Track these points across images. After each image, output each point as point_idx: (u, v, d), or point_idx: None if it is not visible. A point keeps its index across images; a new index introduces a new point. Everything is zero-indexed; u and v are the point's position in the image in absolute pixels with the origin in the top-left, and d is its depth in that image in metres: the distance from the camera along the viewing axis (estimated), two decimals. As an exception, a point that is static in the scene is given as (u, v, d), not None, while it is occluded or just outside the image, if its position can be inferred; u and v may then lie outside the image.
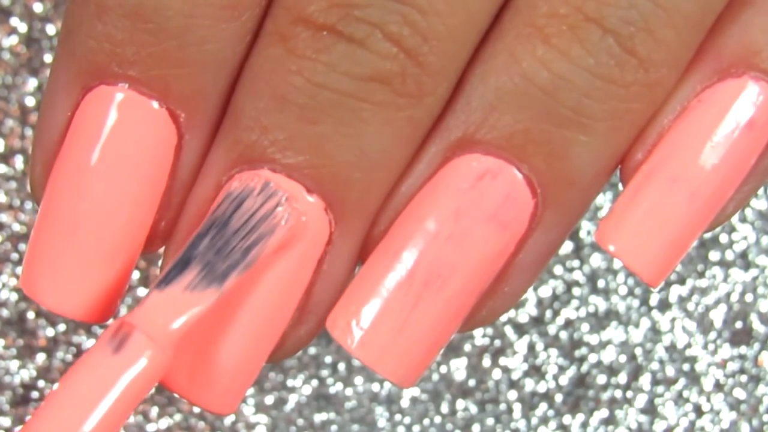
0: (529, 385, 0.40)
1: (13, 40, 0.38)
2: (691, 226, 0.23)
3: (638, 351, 0.40)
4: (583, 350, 0.40)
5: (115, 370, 0.21)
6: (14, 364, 0.39)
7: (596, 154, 0.23)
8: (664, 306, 0.40)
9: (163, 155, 0.24)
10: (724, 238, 0.40)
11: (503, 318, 0.40)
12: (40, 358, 0.39)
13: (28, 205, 0.39)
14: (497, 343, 0.40)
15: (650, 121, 0.23)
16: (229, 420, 0.39)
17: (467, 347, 0.40)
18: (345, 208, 0.23)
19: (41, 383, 0.39)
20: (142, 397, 0.21)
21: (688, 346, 0.40)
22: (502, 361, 0.40)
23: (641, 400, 0.40)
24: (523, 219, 0.23)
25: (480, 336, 0.40)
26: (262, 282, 0.23)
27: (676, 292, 0.40)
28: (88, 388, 0.21)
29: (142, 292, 0.38)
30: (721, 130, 0.23)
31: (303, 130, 0.22)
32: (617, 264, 0.40)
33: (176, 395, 0.24)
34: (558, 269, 0.40)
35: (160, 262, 0.23)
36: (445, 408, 0.40)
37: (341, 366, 0.40)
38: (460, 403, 0.40)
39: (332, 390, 0.40)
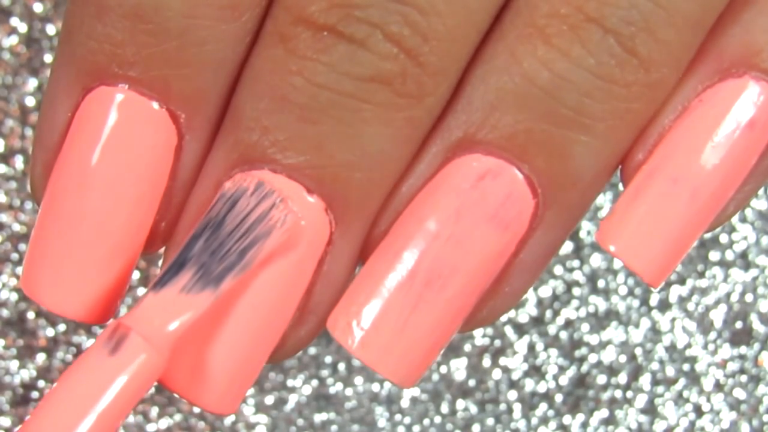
0: (529, 385, 0.40)
1: (13, 40, 0.38)
2: (691, 226, 0.23)
3: (638, 351, 0.40)
4: (583, 350, 0.40)
5: (112, 372, 0.21)
6: (14, 364, 0.39)
7: (597, 154, 0.23)
8: (664, 306, 0.40)
9: (164, 156, 0.23)
10: (724, 238, 0.41)
11: (503, 318, 0.40)
12: (40, 358, 0.39)
13: (28, 205, 0.39)
14: (497, 343, 0.40)
15: (651, 121, 0.23)
16: (229, 420, 0.39)
17: (467, 347, 0.40)
18: (345, 208, 0.23)
19: (41, 383, 0.39)
20: (139, 398, 0.21)
21: (688, 346, 0.40)
22: (502, 361, 0.40)
23: (641, 400, 0.40)
24: (524, 219, 0.23)
25: (480, 336, 0.40)
26: (262, 282, 0.23)
27: (676, 292, 0.40)
28: (85, 390, 0.21)
29: (142, 292, 0.38)
30: (721, 130, 0.23)
31: (303, 131, 0.22)
32: (617, 264, 0.40)
33: (176, 395, 0.24)
34: (558, 269, 0.40)
35: (160, 263, 0.23)
36: (445, 408, 0.40)
37: (341, 366, 0.40)
38: (460, 403, 0.40)
39: (332, 390, 0.40)
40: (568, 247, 0.40)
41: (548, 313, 0.40)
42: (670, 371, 0.40)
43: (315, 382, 0.40)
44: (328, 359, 0.40)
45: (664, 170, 0.23)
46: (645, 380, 0.40)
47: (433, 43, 0.22)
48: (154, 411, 0.39)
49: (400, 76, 0.22)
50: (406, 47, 0.22)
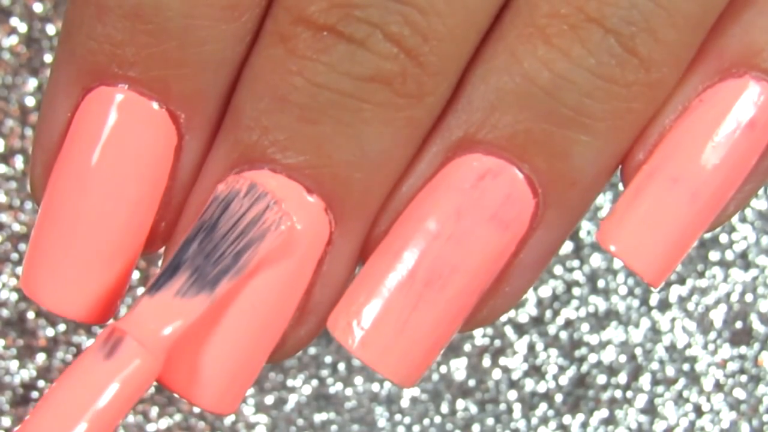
0: (529, 385, 0.40)
1: (13, 40, 0.38)
2: (692, 226, 0.23)
3: (638, 351, 0.40)
4: (583, 350, 0.40)
5: (107, 376, 0.21)
6: (14, 364, 0.39)
7: (597, 153, 0.23)
8: (664, 306, 0.40)
9: (163, 156, 0.23)
10: (724, 238, 0.41)
11: (503, 318, 0.40)
12: (40, 358, 0.39)
13: (28, 205, 0.39)
14: (497, 343, 0.40)
15: (651, 120, 0.23)
16: (229, 420, 0.39)
17: (467, 347, 0.40)
18: (345, 208, 0.23)
19: (41, 383, 0.39)
20: (134, 402, 0.21)
21: (688, 346, 0.40)
22: (502, 361, 0.40)
23: (641, 400, 0.40)
24: (524, 219, 0.23)
25: (480, 336, 0.40)
26: (261, 282, 0.23)
27: (676, 292, 0.40)
28: (81, 393, 0.21)
29: (142, 292, 0.38)
30: (722, 130, 0.23)
31: (303, 131, 0.22)
32: (617, 264, 0.40)
33: (176, 395, 0.24)
34: (558, 269, 0.40)
35: (160, 262, 0.23)
36: (445, 408, 0.40)
37: (341, 366, 0.40)
38: (460, 403, 0.40)
39: (332, 390, 0.40)
40: (568, 247, 0.40)
41: (548, 313, 0.40)
42: (670, 371, 0.40)
43: (315, 382, 0.40)
44: (328, 359, 0.40)
45: (665, 170, 0.23)
46: (645, 380, 0.40)
47: (433, 42, 0.22)
48: (154, 411, 0.39)
49: (400, 75, 0.22)
50: (406, 47, 0.22)
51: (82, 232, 0.23)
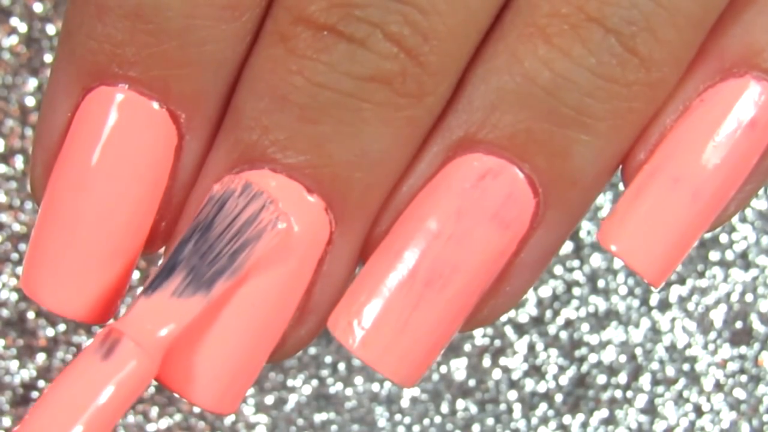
0: (529, 385, 0.40)
1: (13, 40, 0.38)
2: (693, 225, 0.23)
3: (638, 351, 0.40)
4: (583, 350, 0.40)
5: (104, 377, 0.21)
6: (14, 364, 0.39)
7: (598, 153, 0.23)
8: (664, 306, 0.40)
9: (164, 156, 0.23)
10: (724, 238, 0.41)
11: (503, 318, 0.40)
12: (40, 358, 0.39)
13: (28, 205, 0.39)
14: (497, 343, 0.40)
15: (652, 120, 0.23)
16: (229, 420, 0.39)
17: (467, 347, 0.40)
18: (345, 208, 0.23)
19: (41, 383, 0.39)
20: (131, 403, 0.21)
21: (688, 346, 0.40)
22: (502, 361, 0.40)
23: (641, 400, 0.40)
24: (525, 218, 0.23)
25: (480, 336, 0.40)
26: (262, 281, 0.23)
27: (676, 292, 0.40)
28: (78, 394, 0.21)
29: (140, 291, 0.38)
30: (723, 130, 0.23)
31: (303, 130, 0.22)
32: (617, 264, 0.40)
33: (176, 395, 0.24)
34: (558, 269, 0.40)
35: (160, 262, 0.23)
36: (445, 408, 0.40)
37: (341, 366, 0.40)
38: (460, 403, 0.40)
39: (332, 390, 0.40)
40: (568, 247, 0.40)
41: (548, 313, 0.40)
42: (670, 371, 0.40)
43: (315, 382, 0.40)
44: (328, 359, 0.40)
45: (666, 170, 0.23)
46: (645, 380, 0.40)
47: (434, 42, 0.22)
48: (154, 411, 0.39)
49: (400, 75, 0.22)
50: (406, 47, 0.22)
51: (82, 232, 0.23)
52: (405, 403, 0.40)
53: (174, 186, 0.24)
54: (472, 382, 0.40)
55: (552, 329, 0.40)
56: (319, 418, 0.40)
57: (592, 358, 0.40)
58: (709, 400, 0.40)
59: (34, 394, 0.39)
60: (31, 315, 0.39)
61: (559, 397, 0.40)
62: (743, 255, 0.40)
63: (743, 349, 0.40)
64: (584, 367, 0.40)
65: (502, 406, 0.40)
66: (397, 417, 0.40)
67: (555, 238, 0.24)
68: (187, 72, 0.23)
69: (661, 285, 0.23)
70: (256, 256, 0.22)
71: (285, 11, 0.22)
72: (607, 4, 0.21)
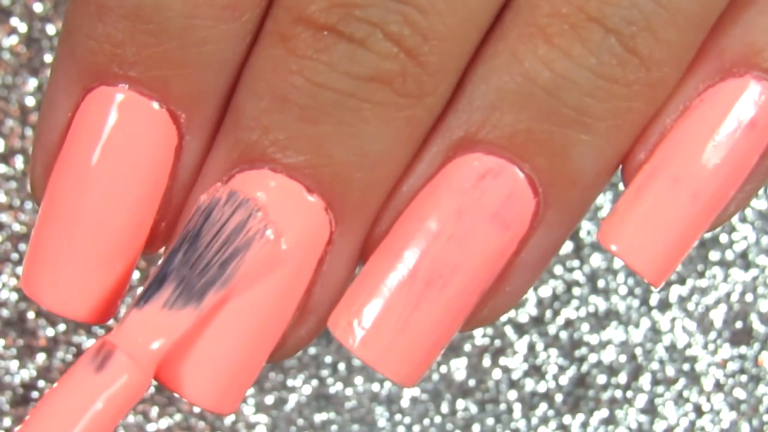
0: (529, 385, 0.40)
1: (13, 40, 0.38)
2: (693, 225, 0.23)
3: (638, 351, 0.40)
4: (583, 350, 0.40)
5: (97, 389, 0.21)
6: (14, 364, 0.39)
7: (598, 153, 0.23)
8: (664, 306, 0.40)
9: (164, 156, 0.23)
10: (724, 238, 0.41)
11: (503, 318, 0.40)
12: (40, 358, 0.39)
13: (28, 205, 0.39)
14: (497, 343, 0.40)
15: (652, 120, 0.23)
16: (229, 420, 0.39)
17: (467, 347, 0.40)
18: (345, 207, 0.23)
19: (41, 383, 0.39)
20: (124, 414, 0.22)
21: (688, 346, 0.40)
22: (502, 361, 0.40)
23: (641, 400, 0.40)
24: (525, 218, 0.23)
25: (480, 336, 0.40)
26: (261, 283, 0.23)
27: (676, 292, 0.40)
28: (71, 406, 0.21)
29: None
30: (723, 130, 0.23)
31: (303, 130, 0.22)
32: (617, 264, 0.40)
33: (176, 395, 0.24)
34: (558, 269, 0.40)
35: (159, 262, 0.23)
36: (445, 408, 0.40)
37: (341, 366, 0.40)
38: (460, 403, 0.40)
39: (332, 390, 0.40)
40: (568, 247, 0.40)
41: (548, 313, 0.40)
42: (670, 371, 0.40)
43: (315, 382, 0.40)
44: (328, 359, 0.40)
45: (666, 170, 0.23)
46: (645, 380, 0.40)
47: (434, 42, 0.22)
48: (154, 411, 0.39)
49: (400, 75, 0.22)
50: (406, 47, 0.22)
51: (82, 232, 0.23)
52: (405, 403, 0.40)
53: (174, 186, 0.24)
54: (472, 382, 0.40)
55: (552, 329, 0.40)
56: (319, 418, 0.40)
57: (592, 358, 0.40)
58: (709, 400, 0.40)
59: (34, 394, 0.39)
60: (31, 315, 0.39)
61: (559, 397, 0.40)
62: (743, 255, 0.40)
63: (743, 349, 0.40)
64: (584, 367, 0.40)
65: (502, 406, 0.40)
66: (397, 417, 0.40)
67: (555, 238, 0.24)
68: (188, 72, 0.23)
69: (661, 285, 0.23)
70: (246, 265, 0.22)
71: (285, 11, 0.22)
72: (607, 4, 0.21)
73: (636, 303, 0.40)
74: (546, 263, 0.24)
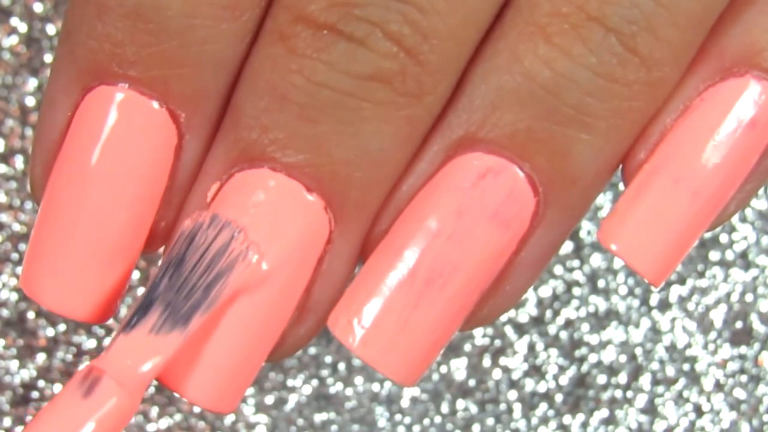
0: (529, 385, 0.40)
1: (13, 40, 0.38)
2: (693, 225, 0.23)
3: (638, 351, 0.40)
4: (583, 350, 0.40)
5: (85, 414, 0.21)
6: (14, 364, 0.39)
7: (598, 152, 0.23)
8: (664, 306, 0.40)
9: (163, 155, 0.23)
10: (724, 238, 0.40)
11: (503, 318, 0.40)
12: (40, 358, 0.39)
13: (28, 205, 0.39)
14: (497, 343, 0.40)
15: (652, 120, 0.23)
16: (229, 420, 0.39)
17: (467, 347, 0.40)
18: (345, 207, 0.23)
19: (41, 383, 0.39)
20: None
21: (688, 346, 0.40)
22: (502, 361, 0.40)
23: (641, 400, 0.40)
24: (525, 218, 0.23)
25: (480, 336, 0.40)
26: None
27: (676, 292, 0.40)
28: (59, 431, 0.21)
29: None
30: (723, 130, 0.23)
31: (303, 129, 0.22)
32: (617, 264, 0.40)
33: (176, 394, 0.24)
34: (558, 269, 0.40)
35: (159, 263, 0.23)
36: (445, 408, 0.40)
37: (341, 366, 0.40)
38: (460, 403, 0.40)
39: (332, 390, 0.40)
40: (568, 247, 0.40)
41: (548, 313, 0.40)
42: (670, 371, 0.40)
43: (315, 382, 0.40)
44: (328, 359, 0.40)
45: (666, 169, 0.23)
46: (645, 380, 0.40)
47: (433, 41, 0.22)
48: (154, 411, 0.39)
49: (399, 74, 0.22)
50: (405, 46, 0.22)
51: (82, 231, 0.23)
52: (405, 403, 0.40)
53: (174, 185, 0.24)
54: (472, 382, 0.40)
55: (552, 329, 0.40)
56: (319, 418, 0.40)
57: (592, 358, 0.40)
58: (709, 400, 0.40)
59: (35, 394, 0.39)
60: (31, 315, 0.39)
61: (559, 397, 0.40)
62: (743, 255, 0.40)
63: (743, 349, 0.40)
64: (584, 367, 0.40)
65: (502, 406, 0.40)
66: (397, 417, 0.40)
67: (555, 238, 0.24)
68: (187, 71, 0.23)
69: (661, 284, 0.23)
70: (230, 288, 0.22)
71: (285, 10, 0.22)
72: (607, 4, 0.21)
73: (636, 303, 0.40)
74: (546, 263, 0.24)
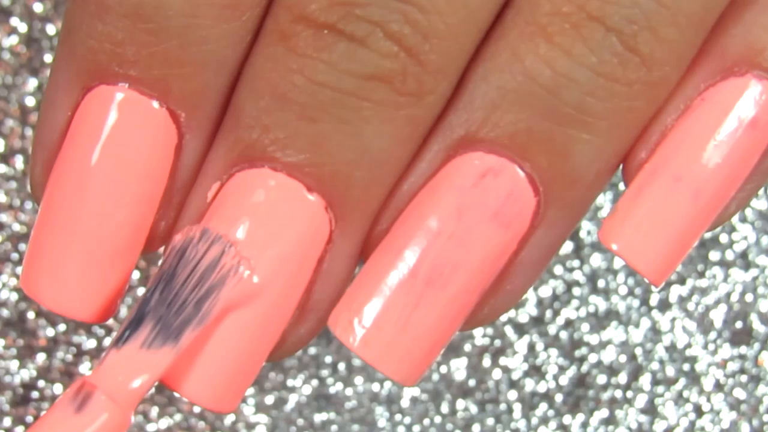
0: (529, 385, 0.40)
1: (13, 40, 0.38)
2: (694, 224, 0.23)
3: (638, 351, 0.40)
4: (583, 350, 0.40)
5: (77, 429, 0.22)
6: (14, 364, 0.39)
7: (598, 152, 0.23)
8: (664, 306, 0.40)
9: (164, 155, 0.23)
10: (724, 238, 0.41)
11: (503, 318, 0.40)
12: (40, 358, 0.39)
13: (28, 205, 0.39)
14: (497, 343, 0.40)
15: (653, 119, 0.23)
16: (229, 420, 0.39)
17: (467, 347, 0.40)
18: (345, 206, 0.23)
19: (41, 383, 0.39)
20: None
21: (688, 346, 0.40)
22: (502, 361, 0.40)
23: (641, 400, 0.40)
24: (526, 217, 0.23)
25: (480, 336, 0.40)
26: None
27: (676, 292, 0.40)
28: None
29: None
30: (724, 129, 0.23)
31: (303, 129, 0.22)
32: (617, 264, 0.40)
33: (176, 395, 0.24)
34: (558, 269, 0.40)
35: (159, 263, 0.23)
36: (445, 408, 0.40)
37: (341, 366, 0.40)
38: (460, 403, 0.40)
39: (332, 390, 0.40)
40: (568, 247, 0.40)
41: (548, 313, 0.40)
42: (670, 371, 0.40)
43: (315, 382, 0.40)
44: (328, 359, 0.40)
45: (667, 169, 0.23)
46: (645, 380, 0.40)
47: (434, 41, 0.22)
48: (154, 411, 0.39)
49: (400, 74, 0.22)
50: (406, 45, 0.22)
51: (82, 231, 0.23)
52: (405, 403, 0.40)
53: (174, 185, 0.24)
54: (472, 382, 0.40)
55: (552, 329, 0.40)
56: (319, 418, 0.40)
57: (592, 358, 0.40)
58: (709, 400, 0.40)
59: (35, 394, 0.39)
60: (31, 315, 0.39)
61: (559, 397, 0.40)
62: (743, 255, 0.40)
63: (743, 349, 0.40)
64: (584, 367, 0.40)
65: (502, 406, 0.40)
66: (397, 417, 0.40)
67: (555, 237, 0.24)
68: (188, 71, 0.23)
69: (661, 284, 0.23)
70: (221, 303, 0.22)
71: (285, 10, 0.22)
72: (608, 3, 0.21)
73: (636, 303, 0.40)
74: (546, 262, 0.24)
